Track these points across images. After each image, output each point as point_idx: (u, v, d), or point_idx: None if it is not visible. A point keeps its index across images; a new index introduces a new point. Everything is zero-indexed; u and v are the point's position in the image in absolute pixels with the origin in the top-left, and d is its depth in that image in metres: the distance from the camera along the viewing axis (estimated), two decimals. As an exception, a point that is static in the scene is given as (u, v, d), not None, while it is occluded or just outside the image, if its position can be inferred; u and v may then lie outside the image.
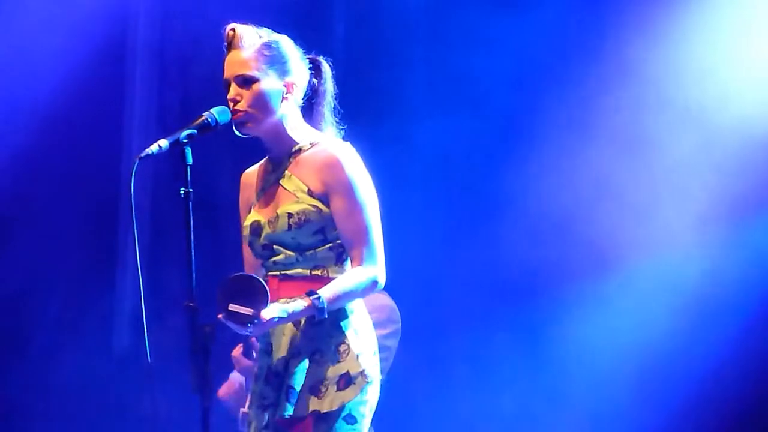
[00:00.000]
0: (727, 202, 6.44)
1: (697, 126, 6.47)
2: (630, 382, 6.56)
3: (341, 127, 4.19)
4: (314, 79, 4.14)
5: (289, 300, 3.95)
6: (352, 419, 3.98)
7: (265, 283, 3.84)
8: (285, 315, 3.87)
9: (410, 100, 6.96)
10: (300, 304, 3.90)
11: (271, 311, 3.83)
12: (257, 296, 3.81)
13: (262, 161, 4.21)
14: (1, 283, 7.26)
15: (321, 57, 4.18)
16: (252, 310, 3.79)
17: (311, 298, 3.89)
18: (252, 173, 4.22)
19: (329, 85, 4.17)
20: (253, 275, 3.88)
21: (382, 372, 4.15)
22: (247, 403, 5.85)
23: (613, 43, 6.60)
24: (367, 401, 4.01)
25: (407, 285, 6.17)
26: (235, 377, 5.95)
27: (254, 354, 5.67)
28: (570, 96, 6.67)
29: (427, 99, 6.98)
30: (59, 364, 7.32)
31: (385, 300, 5.79)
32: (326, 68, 4.17)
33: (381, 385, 4.11)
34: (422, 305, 6.73)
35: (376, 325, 4.27)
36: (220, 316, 3.82)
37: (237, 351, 5.67)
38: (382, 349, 4.25)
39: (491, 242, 6.77)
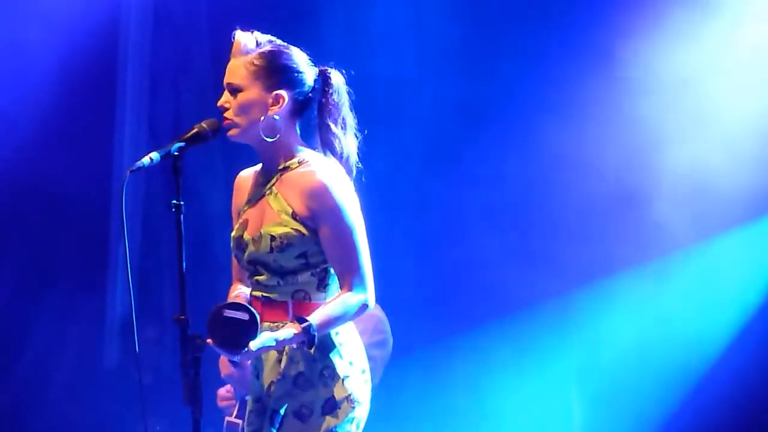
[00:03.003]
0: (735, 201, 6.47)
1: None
2: (627, 392, 6.56)
3: (359, 136, 4.13)
4: (320, 93, 4.07)
5: (277, 325, 3.94)
6: None
7: (256, 314, 3.81)
8: (273, 343, 3.85)
9: (403, 107, 6.97)
10: (290, 331, 3.87)
11: (260, 341, 3.81)
12: (248, 326, 3.79)
13: (257, 167, 4.17)
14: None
15: (331, 68, 4.12)
16: (241, 347, 3.78)
17: (302, 325, 3.86)
18: (246, 177, 4.18)
19: (339, 98, 4.08)
20: (246, 305, 3.84)
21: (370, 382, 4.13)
22: (234, 412, 5.88)
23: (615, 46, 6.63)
24: (354, 419, 4.00)
25: (402, 297, 6.17)
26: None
27: (240, 362, 5.67)
28: (574, 96, 6.68)
29: (419, 105, 6.99)
30: (49, 377, 7.31)
31: (373, 310, 5.79)
32: (336, 80, 4.09)
33: (371, 395, 4.10)
34: (417, 318, 6.73)
35: (362, 333, 4.25)
36: (208, 341, 3.81)
37: (221, 359, 5.68)
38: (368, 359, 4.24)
39: (485, 250, 6.77)
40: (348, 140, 4.10)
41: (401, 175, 6.84)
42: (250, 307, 3.82)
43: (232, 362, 5.61)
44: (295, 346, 3.94)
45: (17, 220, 7.35)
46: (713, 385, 6.47)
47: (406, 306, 6.54)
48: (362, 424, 4.04)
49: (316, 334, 3.86)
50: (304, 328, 3.85)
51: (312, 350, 3.91)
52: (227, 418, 5.93)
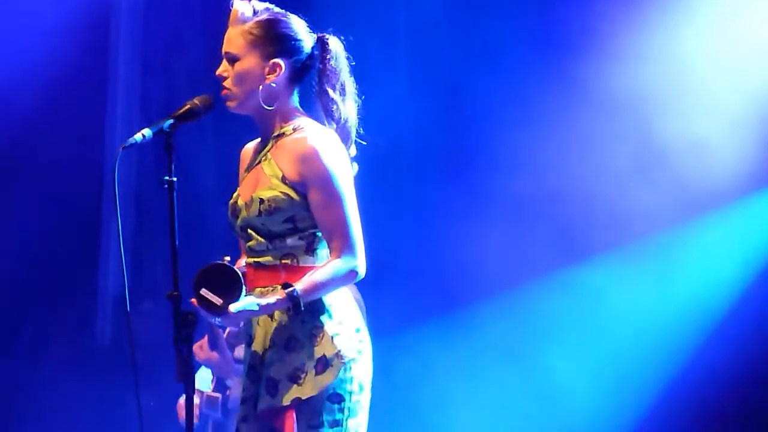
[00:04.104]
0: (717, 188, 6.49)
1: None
2: (626, 373, 6.59)
3: (359, 101, 4.14)
4: (319, 59, 4.09)
5: (264, 291, 3.97)
6: (337, 398, 3.99)
7: (241, 275, 3.85)
8: (257, 308, 3.88)
9: (390, 89, 6.97)
10: (274, 297, 3.92)
11: (241, 304, 3.84)
12: (231, 287, 3.83)
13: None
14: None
15: (329, 35, 4.13)
16: (221, 300, 3.80)
17: (286, 291, 3.90)
18: (249, 148, 4.22)
19: (336, 64, 4.10)
20: (230, 265, 3.88)
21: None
22: (212, 386, 5.92)
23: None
24: (352, 378, 4.01)
25: (384, 281, 6.18)
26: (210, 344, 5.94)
27: (220, 345, 5.70)
28: (559, 86, 6.69)
29: (406, 88, 6.99)
30: (43, 354, 7.32)
31: (353, 294, 5.80)
32: (334, 46, 4.11)
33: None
34: (398, 301, 6.74)
35: None
36: (192, 300, 3.83)
37: (197, 345, 5.70)
38: None
39: (468, 236, 6.78)
40: (347, 105, 4.12)
41: (393, 164, 6.85)
42: (235, 269, 3.85)
43: (211, 345, 5.66)
44: (282, 311, 3.97)
45: (10, 199, 7.36)
46: (707, 362, 6.51)
47: (398, 291, 6.56)
48: (366, 385, 4.06)
49: (300, 298, 3.89)
50: (288, 294, 3.89)
51: (298, 315, 3.94)
52: (206, 392, 5.95)
